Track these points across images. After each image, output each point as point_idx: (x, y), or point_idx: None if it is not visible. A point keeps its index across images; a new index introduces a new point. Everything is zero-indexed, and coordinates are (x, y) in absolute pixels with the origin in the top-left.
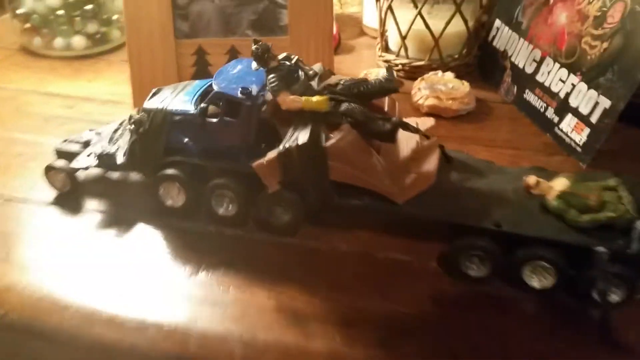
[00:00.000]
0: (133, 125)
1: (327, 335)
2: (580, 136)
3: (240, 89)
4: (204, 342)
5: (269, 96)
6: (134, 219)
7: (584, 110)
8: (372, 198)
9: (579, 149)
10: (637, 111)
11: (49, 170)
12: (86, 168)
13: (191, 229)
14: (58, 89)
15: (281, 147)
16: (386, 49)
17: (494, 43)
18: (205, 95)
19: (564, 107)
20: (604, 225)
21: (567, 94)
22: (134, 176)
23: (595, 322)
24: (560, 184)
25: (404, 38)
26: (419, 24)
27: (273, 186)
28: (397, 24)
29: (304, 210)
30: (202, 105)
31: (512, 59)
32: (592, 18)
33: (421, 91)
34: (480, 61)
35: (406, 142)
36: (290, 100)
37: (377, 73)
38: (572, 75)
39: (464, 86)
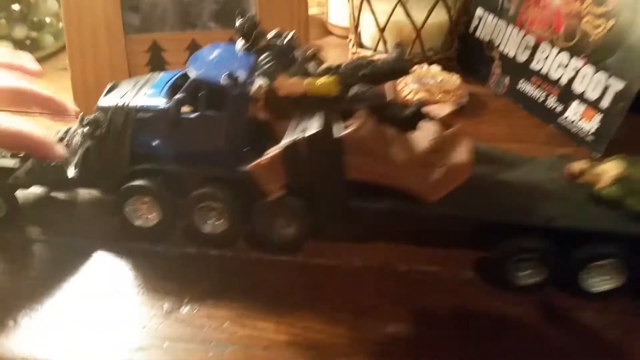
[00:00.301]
0: (87, 128)
1: None
2: (590, 124)
3: (224, 74)
4: None
5: (256, 86)
6: (92, 246)
7: (592, 95)
8: (394, 200)
9: (590, 138)
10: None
11: None
12: (27, 186)
13: (165, 253)
14: None
15: (285, 141)
16: (360, 45)
17: (477, 34)
18: (178, 86)
19: (567, 95)
20: None
21: (570, 80)
22: (89, 193)
23: None
24: (611, 169)
25: (382, 30)
26: (397, 15)
27: (275, 192)
28: (374, 15)
29: (309, 221)
30: (177, 96)
31: (500, 48)
32: None
33: (409, 85)
34: (461, 54)
35: (423, 132)
36: (291, 84)
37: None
38: (574, 59)
39: (453, 79)
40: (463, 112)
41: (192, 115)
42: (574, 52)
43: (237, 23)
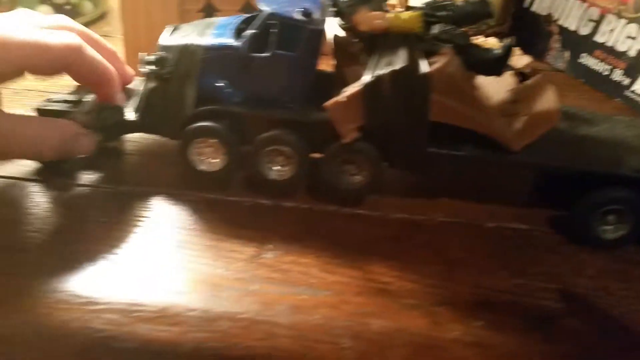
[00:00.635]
0: (152, 67)
1: (460, 320)
2: None
3: (300, 10)
4: (298, 335)
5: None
6: (157, 195)
7: None
8: (475, 147)
9: None
10: None
11: None
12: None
13: (237, 203)
14: None
15: (366, 78)
16: None
17: (533, 8)
18: (242, 29)
19: (635, 67)
20: None
21: (639, 52)
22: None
23: None
24: None
25: None
26: None
27: (350, 134)
28: None
29: (381, 170)
30: (250, 33)
31: (560, 22)
32: None
33: None
34: (515, 29)
35: (498, 81)
36: (373, 17)
37: None
38: None
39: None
40: None
41: (264, 54)
42: None
43: None
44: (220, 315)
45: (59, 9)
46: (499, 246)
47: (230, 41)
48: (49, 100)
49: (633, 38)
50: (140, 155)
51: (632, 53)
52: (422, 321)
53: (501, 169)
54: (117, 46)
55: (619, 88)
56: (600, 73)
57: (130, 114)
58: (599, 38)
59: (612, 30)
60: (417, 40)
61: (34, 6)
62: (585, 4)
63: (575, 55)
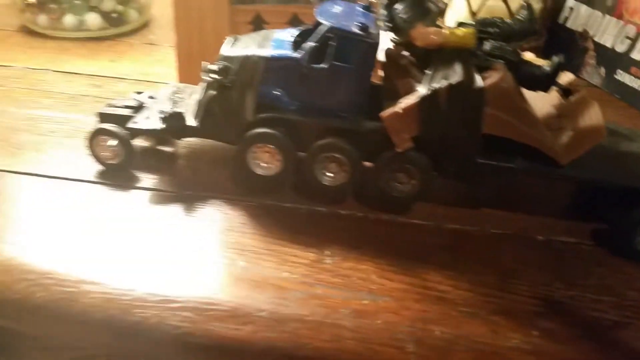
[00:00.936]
0: (215, 76)
1: (518, 329)
2: None
3: (357, 25)
4: (363, 338)
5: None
6: (209, 197)
7: None
8: (524, 160)
9: None
10: None
11: (98, 134)
12: (150, 130)
13: (294, 210)
14: (76, 68)
15: (422, 91)
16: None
17: (567, 24)
18: (298, 42)
19: None
20: None
21: None
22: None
23: None
24: None
25: (474, 14)
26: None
27: (404, 143)
28: None
29: (431, 178)
30: (310, 45)
31: (596, 39)
32: None
33: None
34: (550, 44)
35: (541, 96)
36: (430, 33)
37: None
38: None
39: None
40: None
41: (322, 65)
42: None
43: None
44: (288, 316)
45: (106, 16)
46: (549, 258)
47: (290, 53)
48: (110, 105)
49: None
50: (197, 160)
51: None
52: (481, 329)
53: (549, 182)
54: (167, 54)
55: None
56: (637, 90)
57: (190, 119)
58: (635, 55)
59: None
60: (470, 56)
61: (82, 14)
62: (622, 22)
63: (610, 72)
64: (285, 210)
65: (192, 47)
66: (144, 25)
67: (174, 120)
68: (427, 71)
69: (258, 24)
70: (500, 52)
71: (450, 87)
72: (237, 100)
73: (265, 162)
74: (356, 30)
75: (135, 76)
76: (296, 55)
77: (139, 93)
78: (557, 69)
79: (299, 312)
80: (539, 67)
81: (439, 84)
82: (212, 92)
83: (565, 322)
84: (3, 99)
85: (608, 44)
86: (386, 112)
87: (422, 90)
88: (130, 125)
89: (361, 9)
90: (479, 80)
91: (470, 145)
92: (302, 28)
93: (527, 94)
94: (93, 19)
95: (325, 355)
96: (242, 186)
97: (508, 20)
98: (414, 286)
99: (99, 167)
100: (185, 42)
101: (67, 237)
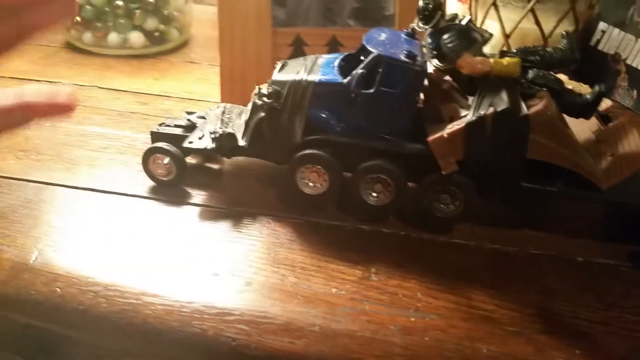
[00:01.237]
0: (266, 99)
1: (561, 348)
2: None
3: (404, 52)
4: (412, 354)
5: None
6: (257, 213)
7: None
8: (566, 184)
9: None
10: None
11: (153, 153)
12: (204, 149)
13: (340, 227)
14: (122, 85)
15: (469, 116)
16: None
17: (599, 47)
18: (344, 66)
19: None
20: None
21: None
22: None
23: None
24: None
25: (508, 37)
26: (523, 23)
27: (450, 166)
28: (501, 21)
29: (473, 200)
30: (359, 72)
31: (628, 61)
32: None
33: None
34: (581, 66)
35: (582, 122)
36: (476, 62)
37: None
38: None
39: (583, 89)
40: None
41: (369, 91)
42: None
43: (420, 3)
44: (339, 332)
45: (149, 35)
46: (590, 279)
47: (338, 78)
48: (162, 125)
49: None
50: (244, 178)
51: None
52: (526, 348)
53: (589, 206)
54: (207, 72)
55: None
56: None
57: (241, 140)
58: None
59: None
60: (514, 84)
61: (126, 32)
62: None
63: None
64: (331, 228)
65: (235, 68)
66: (184, 44)
67: (226, 140)
68: (472, 97)
69: (298, 45)
70: (544, 80)
71: (496, 114)
72: (286, 123)
73: (312, 182)
74: (404, 58)
75: (179, 94)
76: (344, 80)
77: (190, 113)
78: (599, 97)
79: (349, 328)
80: (581, 95)
81: (485, 110)
82: (263, 114)
83: (606, 342)
84: None
85: None
86: (433, 136)
87: (468, 116)
88: (185, 144)
89: (405, 36)
90: (524, 108)
91: (515, 170)
92: (346, 53)
93: (568, 120)
94: (136, 38)
95: None
96: (289, 204)
97: (549, 49)
98: (460, 305)
99: (151, 183)
100: (228, 63)
101: (125, 249)
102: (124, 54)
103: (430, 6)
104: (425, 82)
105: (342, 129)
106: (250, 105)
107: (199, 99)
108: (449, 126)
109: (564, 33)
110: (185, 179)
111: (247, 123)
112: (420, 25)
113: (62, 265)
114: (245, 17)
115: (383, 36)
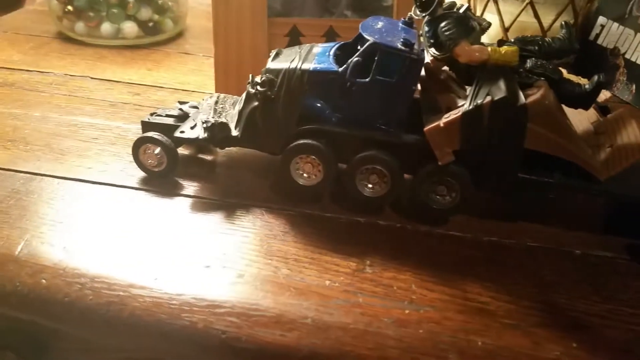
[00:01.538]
0: (259, 88)
1: (558, 341)
2: None
3: (401, 40)
4: (406, 347)
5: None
6: (250, 205)
7: None
8: (564, 175)
9: None
10: None
11: (143, 143)
12: (195, 139)
13: (334, 219)
14: (115, 76)
15: (467, 105)
16: None
17: (598, 41)
18: (339, 55)
19: None
20: None
21: None
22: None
23: None
24: None
25: (506, 30)
26: (522, 16)
27: (446, 157)
28: (500, 15)
29: (469, 191)
30: (354, 60)
31: (627, 56)
32: None
33: None
34: (579, 60)
35: (580, 113)
36: (473, 50)
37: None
38: None
39: (582, 83)
40: None
41: (365, 80)
42: None
43: None
44: (332, 324)
45: (142, 25)
46: (587, 272)
47: (333, 66)
48: (153, 114)
49: None
50: (237, 169)
51: None
52: (523, 340)
53: (587, 197)
54: (202, 63)
55: None
56: None
57: (234, 129)
58: None
59: None
60: (512, 73)
61: (120, 22)
62: None
63: None
64: (325, 220)
65: (230, 58)
66: (179, 35)
67: (219, 130)
68: (469, 87)
69: (295, 36)
70: (542, 69)
71: (493, 103)
72: (280, 112)
73: (307, 173)
74: (400, 46)
75: (172, 85)
76: (339, 68)
77: (183, 103)
78: (598, 87)
79: (342, 320)
80: (580, 85)
81: (482, 100)
82: (256, 104)
83: (604, 335)
84: (44, 105)
85: (639, 62)
86: (429, 126)
87: (464, 106)
88: (176, 134)
89: (402, 25)
90: (521, 97)
91: (512, 160)
92: (341, 42)
93: (566, 110)
94: (130, 28)
95: None
96: (283, 195)
97: (548, 39)
98: (455, 297)
99: (142, 174)
100: (223, 53)
101: (114, 241)
102: (117, 44)
103: None
104: (423, 72)
105: (337, 118)
106: (244, 95)
107: (193, 90)
108: (446, 116)
109: (563, 23)
110: (176, 170)
111: (240, 113)
112: (418, 12)
113: (49, 257)
114: (240, 6)
115: (380, 24)
